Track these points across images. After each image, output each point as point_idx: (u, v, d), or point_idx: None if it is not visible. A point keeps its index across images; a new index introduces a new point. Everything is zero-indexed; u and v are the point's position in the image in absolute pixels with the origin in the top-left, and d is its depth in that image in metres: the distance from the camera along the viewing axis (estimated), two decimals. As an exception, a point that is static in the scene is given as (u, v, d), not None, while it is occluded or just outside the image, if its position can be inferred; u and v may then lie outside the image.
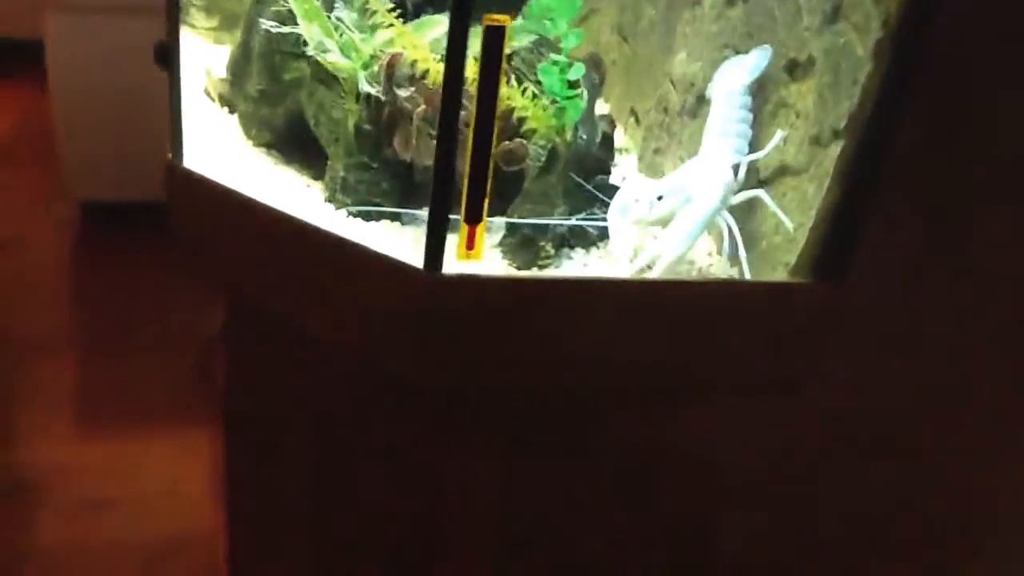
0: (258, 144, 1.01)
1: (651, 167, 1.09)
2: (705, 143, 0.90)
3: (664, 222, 0.85)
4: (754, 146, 0.89)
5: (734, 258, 0.86)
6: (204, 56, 1.10)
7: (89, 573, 1.64)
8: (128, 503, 1.82)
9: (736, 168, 0.86)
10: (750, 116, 0.89)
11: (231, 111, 1.04)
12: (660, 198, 0.84)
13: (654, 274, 0.82)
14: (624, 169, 1.11)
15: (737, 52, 0.95)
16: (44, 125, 2.49)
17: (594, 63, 1.27)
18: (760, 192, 0.86)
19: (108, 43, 2.25)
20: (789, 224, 0.84)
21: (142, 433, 1.97)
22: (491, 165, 0.77)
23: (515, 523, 0.96)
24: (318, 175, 0.96)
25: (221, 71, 1.06)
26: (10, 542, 1.67)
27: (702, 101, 0.99)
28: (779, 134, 0.86)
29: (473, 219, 0.79)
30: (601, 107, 1.27)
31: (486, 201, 0.78)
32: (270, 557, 1.11)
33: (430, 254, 0.78)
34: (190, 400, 2.00)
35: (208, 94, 1.06)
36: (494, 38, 0.72)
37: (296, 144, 0.99)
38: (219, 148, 0.99)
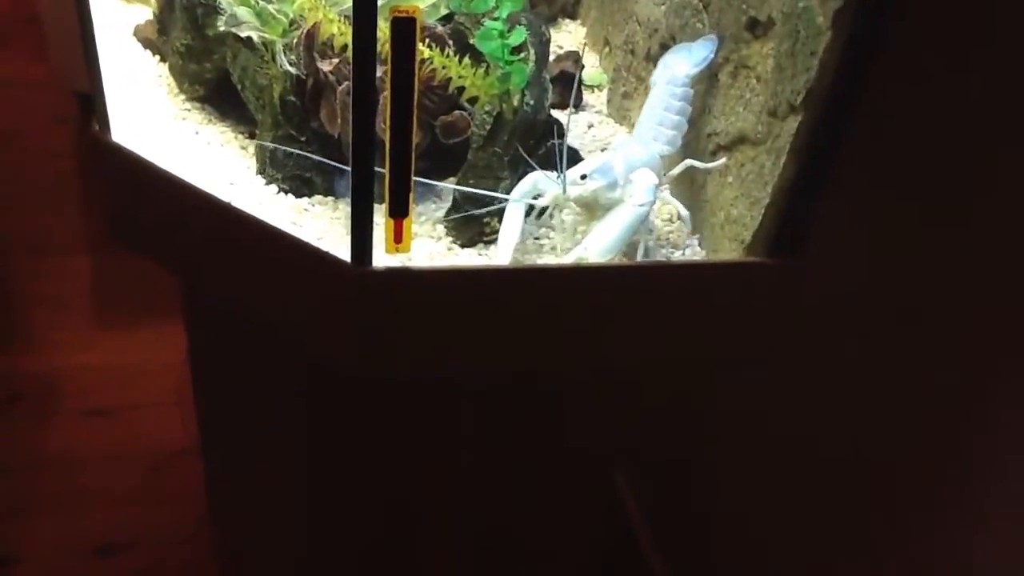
0: (191, 98, 0.95)
1: (619, 111, 1.02)
2: (638, 128, 0.85)
3: (585, 203, 0.79)
4: (693, 147, 0.85)
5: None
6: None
7: (91, 482, 1.67)
8: (130, 412, 1.83)
9: (665, 159, 0.83)
10: (688, 108, 0.84)
11: (161, 59, 0.98)
12: (584, 177, 0.79)
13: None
14: (591, 114, 1.04)
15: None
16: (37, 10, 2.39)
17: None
18: (665, 194, 0.85)
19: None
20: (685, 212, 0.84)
21: (148, 340, 1.96)
22: (413, 158, 0.71)
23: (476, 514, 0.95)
24: (255, 133, 0.91)
25: (147, 13, 0.99)
26: (14, 449, 1.70)
27: (666, 49, 0.91)
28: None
29: (398, 214, 0.73)
30: (578, 31, 1.19)
31: (411, 195, 0.73)
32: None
33: (357, 249, 0.74)
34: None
35: (136, 39, 0.99)
36: (403, 30, 0.65)
37: (230, 99, 0.93)
38: (150, 107, 0.94)
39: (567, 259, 0.78)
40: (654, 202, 0.78)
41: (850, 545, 0.95)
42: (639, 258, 0.82)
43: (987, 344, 0.78)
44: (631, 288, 0.79)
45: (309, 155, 0.83)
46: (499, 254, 0.80)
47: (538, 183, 0.80)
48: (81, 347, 1.94)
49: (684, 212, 0.85)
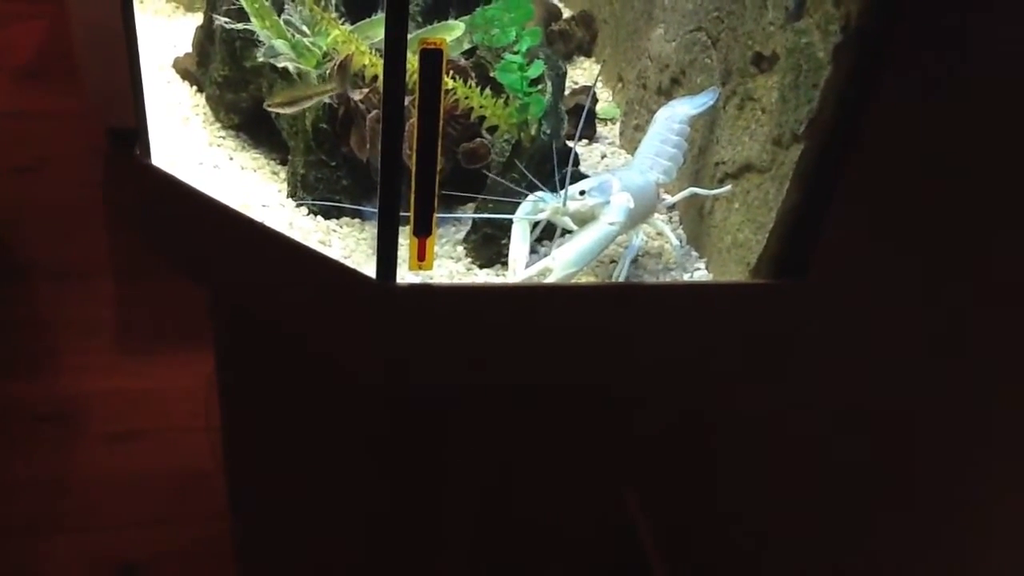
0: (227, 127, 1.00)
1: (631, 142, 1.07)
2: (638, 156, 0.91)
3: (582, 218, 0.84)
4: (701, 175, 0.91)
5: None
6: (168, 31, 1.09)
7: (114, 502, 1.70)
8: (156, 435, 1.86)
9: (660, 187, 0.89)
10: (684, 145, 0.90)
11: (199, 90, 1.03)
12: (583, 193, 0.83)
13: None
14: (604, 145, 1.09)
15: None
16: (71, 45, 2.46)
17: (585, 22, 1.23)
18: (658, 221, 0.89)
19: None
20: (675, 241, 0.90)
21: (172, 364, 1.99)
22: (437, 180, 0.76)
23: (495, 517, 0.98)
24: (286, 159, 0.96)
25: (187, 46, 1.04)
26: (40, 469, 1.73)
27: (676, 84, 0.96)
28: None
29: (421, 233, 0.78)
30: (593, 68, 1.24)
31: (434, 215, 0.78)
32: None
33: (382, 265, 0.78)
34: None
35: (176, 71, 1.05)
36: (431, 62, 0.70)
37: (263, 128, 0.98)
38: (188, 134, 0.99)
39: (534, 268, 0.82)
40: (625, 222, 0.83)
41: (864, 567, 0.98)
42: (616, 276, 0.87)
43: (990, 360, 0.82)
44: (639, 307, 0.83)
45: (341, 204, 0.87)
46: (510, 273, 0.84)
47: (539, 203, 0.85)
48: (105, 371, 1.97)
49: (675, 241, 0.90)
